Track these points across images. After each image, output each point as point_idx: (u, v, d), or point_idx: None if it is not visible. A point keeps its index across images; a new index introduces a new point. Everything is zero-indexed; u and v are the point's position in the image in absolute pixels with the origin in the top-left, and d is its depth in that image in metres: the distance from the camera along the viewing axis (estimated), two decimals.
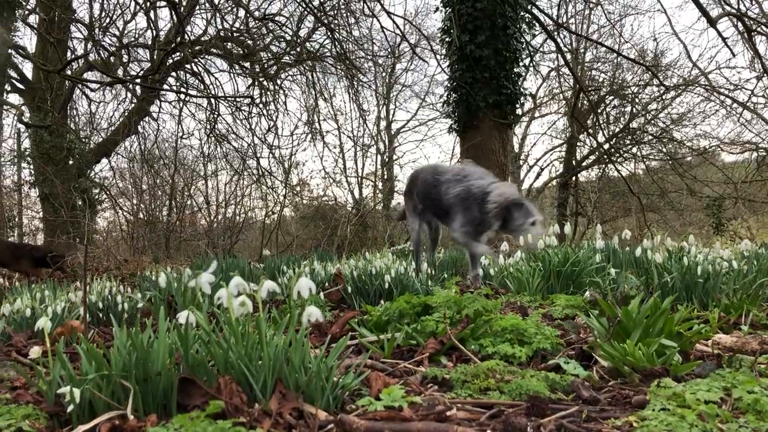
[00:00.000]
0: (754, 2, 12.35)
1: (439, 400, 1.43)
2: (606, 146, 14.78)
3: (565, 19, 15.13)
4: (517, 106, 10.93)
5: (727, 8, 11.94)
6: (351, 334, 2.18)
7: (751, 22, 12.22)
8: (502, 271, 3.87)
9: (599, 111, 14.95)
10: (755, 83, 13.81)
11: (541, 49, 14.43)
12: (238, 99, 12.50)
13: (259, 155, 13.53)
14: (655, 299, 1.88)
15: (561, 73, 15.74)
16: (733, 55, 14.97)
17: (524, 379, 1.58)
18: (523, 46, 11.14)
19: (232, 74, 13.42)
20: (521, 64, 10.85)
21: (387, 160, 18.28)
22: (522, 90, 10.86)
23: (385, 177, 17.50)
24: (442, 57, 11.47)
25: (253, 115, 12.74)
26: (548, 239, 3.28)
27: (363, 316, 2.49)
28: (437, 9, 11.63)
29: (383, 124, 18.73)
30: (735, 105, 14.30)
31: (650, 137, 15.05)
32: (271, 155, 13.50)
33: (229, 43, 12.53)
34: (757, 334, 2.11)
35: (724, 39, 12.22)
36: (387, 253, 4.48)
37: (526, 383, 1.55)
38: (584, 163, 16.26)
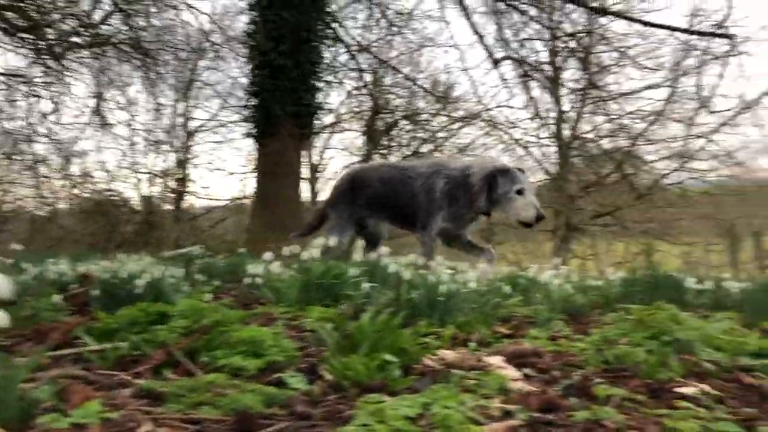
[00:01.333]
0: (533, 51, 13.75)
1: (136, 417, 1.32)
2: None
3: (369, 42, 15.69)
4: (316, 118, 11.07)
5: (510, 53, 13.19)
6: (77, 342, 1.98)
7: (528, 68, 13.64)
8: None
9: (393, 133, 15.70)
10: (529, 123, 15.40)
11: (344, 67, 14.79)
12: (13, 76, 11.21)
13: (35, 139, 12.22)
14: (389, 314, 1.94)
15: (361, 92, 16.28)
16: (511, 96, 16.54)
17: (241, 394, 1.53)
18: (326, 61, 11.35)
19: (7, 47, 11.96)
20: (323, 78, 11.02)
21: (182, 159, 17.48)
22: (322, 104, 11.03)
23: (178, 176, 16.71)
24: (246, 60, 11.29)
25: (30, 94, 11.48)
26: (313, 251, 3.31)
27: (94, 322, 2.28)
28: (242, 11, 11.45)
29: (180, 120, 17.90)
30: (511, 141, 15.82)
31: None
32: (50, 140, 12.27)
33: (9, 13, 11.19)
34: (480, 351, 2.27)
35: (504, 79, 13.48)
36: (145, 257, 4.18)
37: (242, 398, 1.50)
38: None
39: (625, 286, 3.84)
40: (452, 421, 1.35)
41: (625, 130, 14.67)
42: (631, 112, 14.26)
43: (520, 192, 3.79)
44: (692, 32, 9.96)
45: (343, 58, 13.60)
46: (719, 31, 9.50)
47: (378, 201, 4.40)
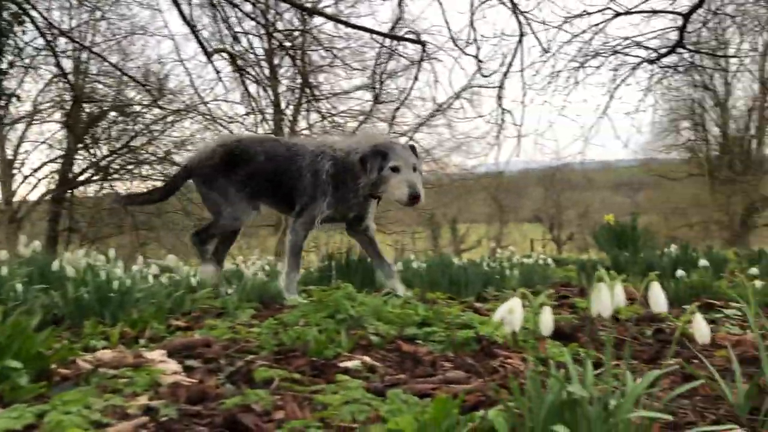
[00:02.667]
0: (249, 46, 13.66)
1: None
2: (105, 162, 14.34)
3: (70, 26, 14.17)
4: (2, 107, 9.65)
5: (226, 47, 12.92)
6: None
7: (244, 63, 13.53)
8: None
9: (102, 126, 14.44)
10: (246, 118, 15.31)
11: (38, 52, 13.15)
12: None
13: None
14: (17, 317, 1.66)
15: (61, 80, 14.65)
16: (228, 90, 16.24)
17: None
18: (14, 44, 9.94)
19: None
20: (5, 60, 9.63)
21: None
22: (5, 89, 9.64)
23: None
24: None
25: None
26: None
27: None
28: None
29: None
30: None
31: (153, 158, 15.20)
32: None
33: None
34: (149, 347, 2.09)
35: (218, 72, 13.19)
36: None
37: None
38: (82, 178, 15.41)
39: (321, 271, 3.94)
40: (66, 428, 1.16)
41: (339, 128, 15.39)
42: (343, 111, 15.03)
43: (395, 169, 3.47)
44: (390, 36, 10.75)
45: (41, 42, 12.08)
46: (412, 37, 10.41)
47: (260, 179, 3.78)
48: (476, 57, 10.31)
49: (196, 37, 12.30)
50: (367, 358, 2.00)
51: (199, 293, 3.20)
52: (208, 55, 12.24)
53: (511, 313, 1.04)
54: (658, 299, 1.09)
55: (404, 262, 5.29)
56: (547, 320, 1.07)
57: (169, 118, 15.08)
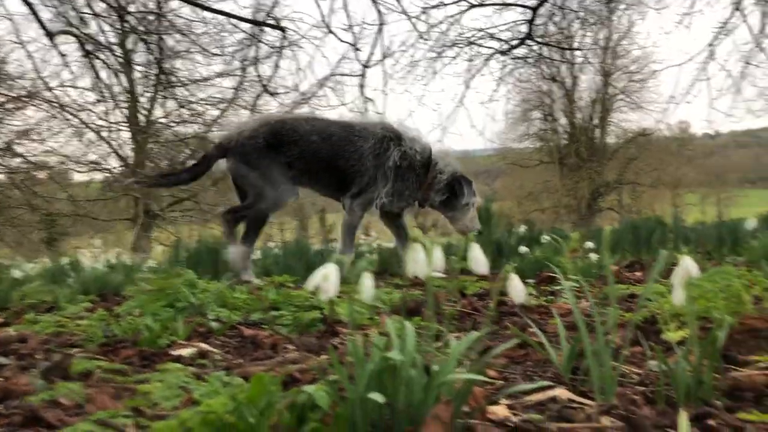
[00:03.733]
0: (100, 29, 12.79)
1: None
2: None
3: None
4: None
5: (72, 29, 12.00)
6: None
7: (94, 47, 12.64)
8: None
9: None
10: (98, 105, 14.34)
11: None
12: None
13: None
14: None
15: None
16: (76, 76, 15.04)
17: None
18: None
19: None
20: None
21: None
22: None
23: None
24: None
25: None
26: None
27: None
28: None
29: None
30: (81, 125, 14.51)
31: None
32: None
33: None
34: None
35: (63, 56, 12.25)
36: None
37: None
38: None
39: (169, 262, 3.75)
40: None
41: (199, 116, 14.80)
42: (203, 99, 14.45)
43: (473, 204, 3.80)
44: (250, 21, 10.46)
45: None
46: (272, 23, 10.17)
47: (311, 160, 3.64)
48: (353, 44, 10.25)
49: (36, 17, 11.34)
50: (204, 345, 1.90)
51: (28, 287, 2.93)
52: (51, 36, 11.33)
53: (325, 280, 0.99)
54: (478, 260, 1.10)
55: (263, 251, 5.18)
56: (368, 286, 1.04)
57: (9, 105, 13.79)
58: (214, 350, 1.87)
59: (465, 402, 1.10)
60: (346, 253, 3.70)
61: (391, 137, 3.70)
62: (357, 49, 10.28)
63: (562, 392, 1.39)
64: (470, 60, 11.31)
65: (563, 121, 23.48)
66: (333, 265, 1.00)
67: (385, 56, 10.44)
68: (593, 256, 3.41)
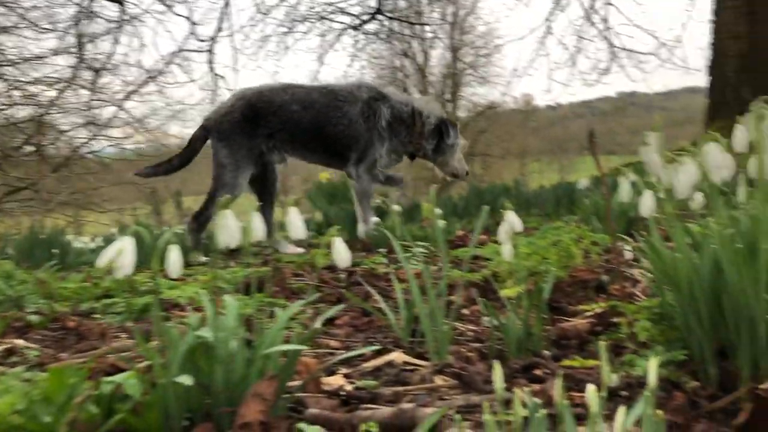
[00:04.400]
0: None
1: None
2: None
3: None
4: None
5: None
6: None
7: None
8: None
9: None
10: None
11: None
12: None
13: None
14: None
15: None
16: None
17: None
18: None
19: None
20: None
21: None
22: None
23: None
24: None
25: None
26: None
27: None
28: None
29: None
30: None
31: None
32: None
33: None
34: None
35: None
36: None
37: None
38: None
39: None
40: None
41: (33, 97, 13.54)
42: (37, 79, 13.21)
43: (458, 144, 3.78)
44: None
45: None
46: None
47: (295, 130, 3.54)
48: (189, 18, 9.77)
49: None
50: (19, 341, 1.71)
51: None
52: None
53: (120, 254, 0.90)
54: (294, 224, 1.05)
55: (105, 238, 4.87)
56: (174, 260, 0.95)
57: None
58: (32, 345, 1.69)
59: (291, 375, 1.05)
60: (368, 222, 3.70)
61: (376, 97, 3.69)
62: (194, 23, 9.85)
63: (398, 356, 1.38)
64: (322, 35, 11.24)
65: (417, 95, 24.02)
66: (129, 239, 0.90)
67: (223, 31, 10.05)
68: (441, 222, 3.49)
